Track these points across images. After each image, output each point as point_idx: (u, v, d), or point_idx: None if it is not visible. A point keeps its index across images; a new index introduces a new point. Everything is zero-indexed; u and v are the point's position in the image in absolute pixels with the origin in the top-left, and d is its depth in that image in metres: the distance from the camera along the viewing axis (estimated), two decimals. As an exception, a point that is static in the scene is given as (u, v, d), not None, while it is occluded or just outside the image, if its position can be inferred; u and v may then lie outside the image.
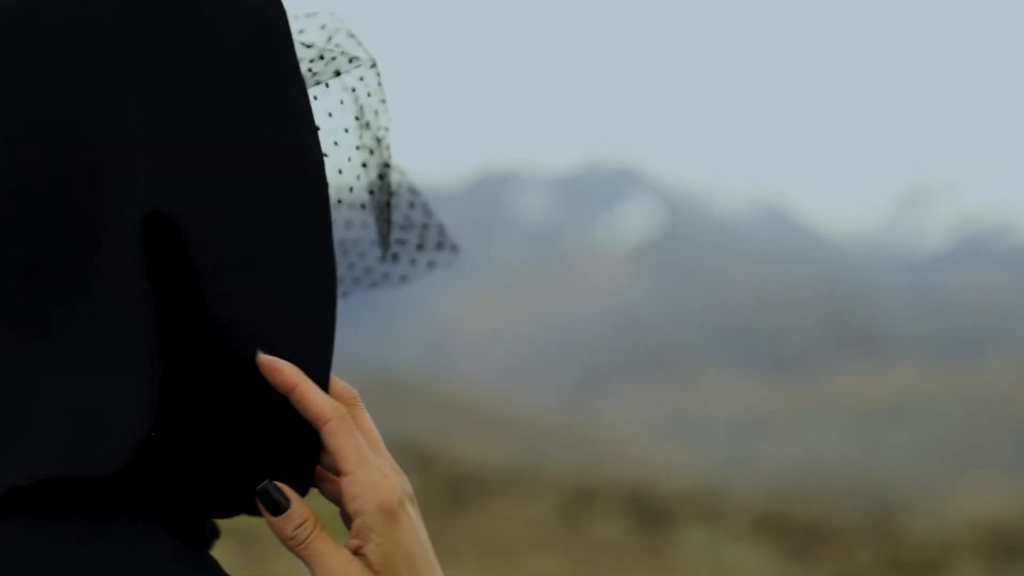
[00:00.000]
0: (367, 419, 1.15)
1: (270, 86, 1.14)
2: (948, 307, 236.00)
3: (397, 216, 1.42)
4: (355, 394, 1.15)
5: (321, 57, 1.25)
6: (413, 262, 1.47)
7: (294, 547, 1.10)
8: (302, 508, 1.10)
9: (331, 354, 1.13)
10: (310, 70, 1.24)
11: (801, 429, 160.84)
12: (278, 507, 1.09)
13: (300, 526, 1.09)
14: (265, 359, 1.09)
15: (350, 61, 1.26)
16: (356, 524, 1.10)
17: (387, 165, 1.34)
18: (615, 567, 15.58)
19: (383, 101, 1.30)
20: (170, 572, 1.06)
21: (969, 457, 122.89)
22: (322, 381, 1.12)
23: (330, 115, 1.29)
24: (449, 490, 19.48)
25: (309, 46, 1.24)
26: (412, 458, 22.86)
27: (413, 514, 1.12)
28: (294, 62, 1.15)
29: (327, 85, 1.28)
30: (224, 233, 1.10)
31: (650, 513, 18.62)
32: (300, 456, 1.12)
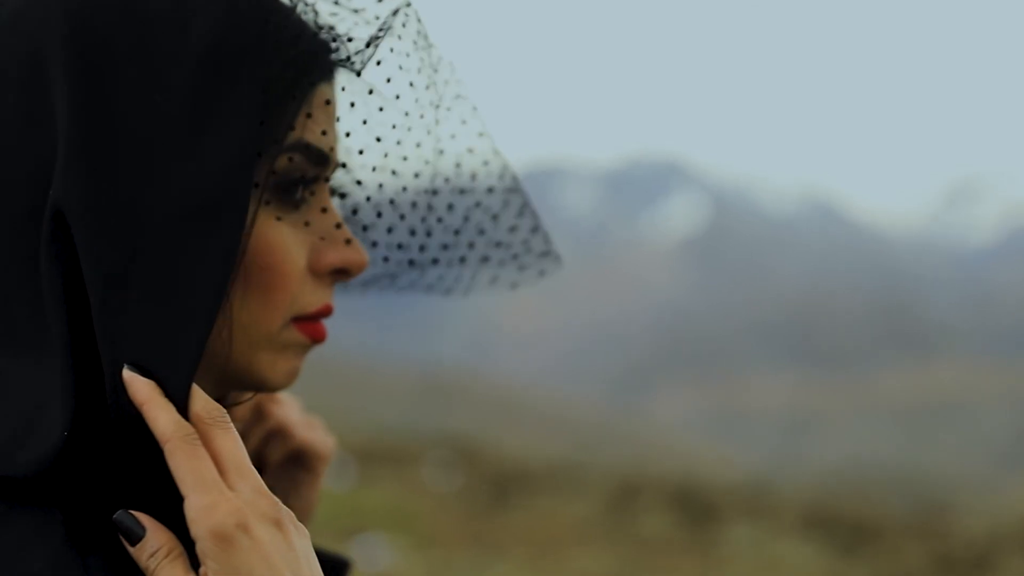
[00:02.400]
0: (228, 440, 1.11)
1: (227, 84, 1.13)
2: (996, 302, 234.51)
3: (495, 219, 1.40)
4: (219, 413, 1.12)
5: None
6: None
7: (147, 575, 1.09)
8: (157, 537, 1.08)
9: (191, 373, 1.10)
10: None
11: (848, 425, 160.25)
12: (133, 536, 1.08)
13: (152, 555, 1.08)
14: (126, 375, 1.09)
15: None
16: (196, 550, 1.07)
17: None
18: (661, 563, 15.57)
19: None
20: (37, 572, 1.07)
21: (1018, 454, 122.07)
22: (179, 399, 1.10)
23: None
24: (495, 486, 19.52)
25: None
26: (458, 454, 22.89)
27: (268, 537, 1.08)
28: (259, 58, 1.15)
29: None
30: (112, 241, 1.10)
31: (697, 509, 18.60)
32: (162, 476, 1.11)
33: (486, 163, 1.36)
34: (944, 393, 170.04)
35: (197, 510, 1.06)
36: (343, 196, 1.34)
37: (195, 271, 1.10)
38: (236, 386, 1.27)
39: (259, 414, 1.56)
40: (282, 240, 1.20)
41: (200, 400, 1.11)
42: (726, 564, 15.92)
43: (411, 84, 1.26)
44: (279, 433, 1.56)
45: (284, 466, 1.57)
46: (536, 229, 1.42)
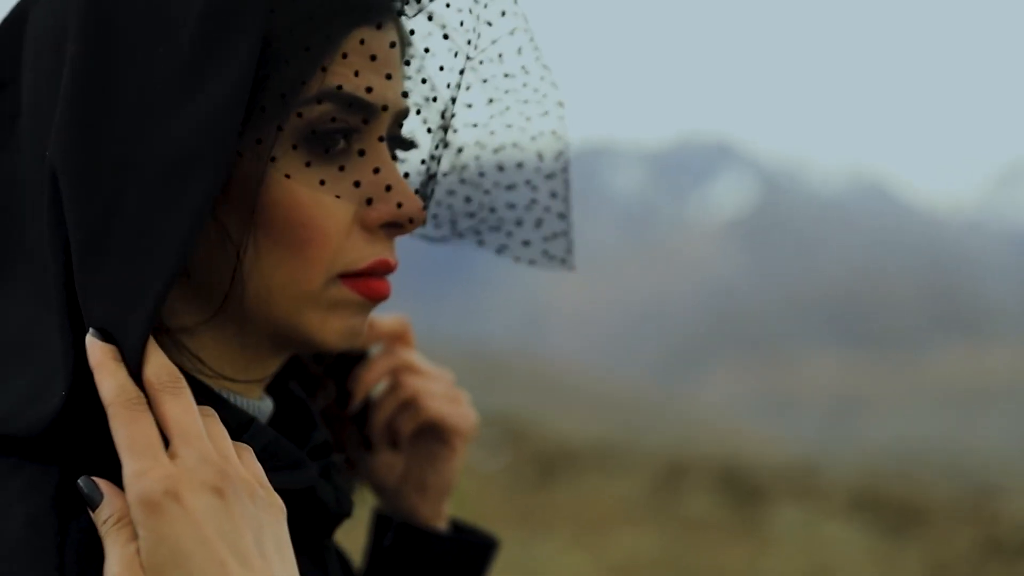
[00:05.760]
0: (176, 406, 1.08)
1: (225, 38, 1.11)
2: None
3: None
4: (170, 378, 1.09)
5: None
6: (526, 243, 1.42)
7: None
8: (112, 503, 1.06)
9: (144, 336, 1.08)
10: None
11: (897, 407, 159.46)
12: (92, 501, 1.07)
13: (104, 522, 1.05)
14: (87, 339, 1.09)
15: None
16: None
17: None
18: (707, 544, 15.54)
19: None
20: (17, 535, 1.07)
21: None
22: (131, 363, 1.08)
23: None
24: (541, 465, 19.54)
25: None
26: (505, 433, 22.92)
27: (202, 506, 1.04)
28: (263, 8, 1.11)
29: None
30: (93, 201, 1.09)
31: (743, 490, 18.56)
32: None
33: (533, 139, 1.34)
34: (994, 376, 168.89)
35: (128, 476, 1.04)
36: (403, 146, 1.30)
37: (163, 231, 1.08)
38: (294, 348, 1.25)
39: (394, 384, 1.56)
40: (312, 194, 1.16)
41: (154, 365, 1.09)
42: (772, 545, 15.88)
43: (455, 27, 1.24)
44: (412, 404, 1.55)
45: (421, 439, 1.57)
46: (563, 232, 1.40)
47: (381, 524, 1.63)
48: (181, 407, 1.08)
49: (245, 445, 1.14)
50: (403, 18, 1.23)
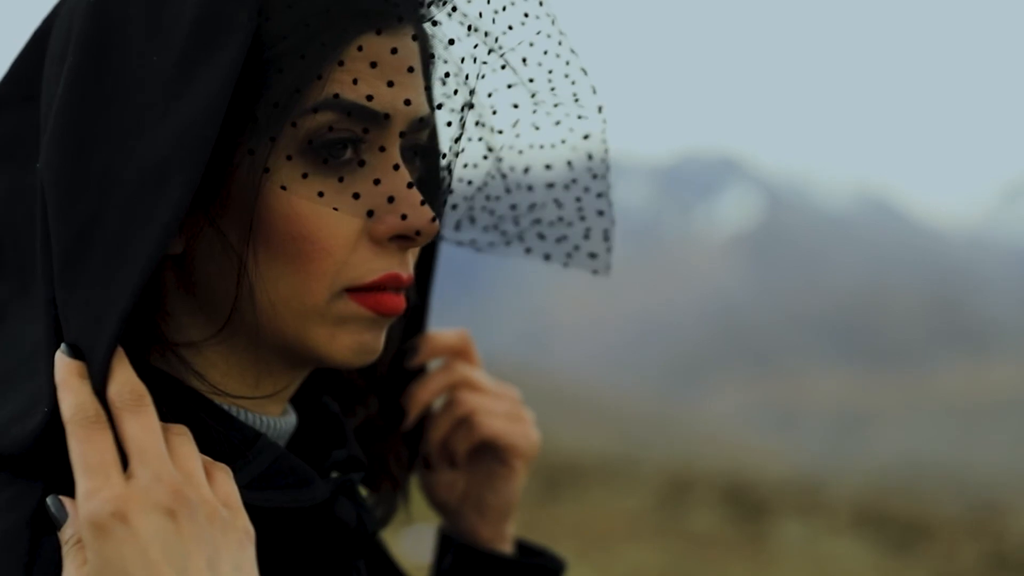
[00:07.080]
0: (135, 424, 1.05)
1: (213, 45, 1.08)
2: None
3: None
4: (131, 396, 1.06)
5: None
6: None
7: None
8: (75, 524, 1.04)
9: (108, 353, 1.05)
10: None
11: (902, 422, 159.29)
12: (56, 521, 1.05)
13: (66, 542, 1.04)
14: (56, 356, 1.07)
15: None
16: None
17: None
18: (711, 559, 15.53)
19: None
20: None
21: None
22: (96, 381, 1.06)
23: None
24: (546, 479, 19.53)
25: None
26: (509, 447, 22.97)
27: (151, 528, 1.01)
28: (253, 15, 1.09)
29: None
30: (73, 214, 1.07)
31: (747, 505, 18.54)
32: None
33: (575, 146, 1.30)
34: (998, 391, 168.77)
35: (79, 496, 1.02)
36: (420, 155, 1.24)
37: (133, 245, 1.05)
38: (307, 363, 1.22)
39: (451, 400, 1.52)
40: (313, 206, 1.12)
41: (118, 382, 1.06)
42: (776, 561, 15.88)
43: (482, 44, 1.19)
44: (467, 422, 1.51)
45: (481, 458, 1.53)
46: (602, 235, 1.35)
47: (444, 544, 1.59)
48: (139, 426, 1.05)
49: (222, 465, 1.10)
50: (422, 23, 1.19)
